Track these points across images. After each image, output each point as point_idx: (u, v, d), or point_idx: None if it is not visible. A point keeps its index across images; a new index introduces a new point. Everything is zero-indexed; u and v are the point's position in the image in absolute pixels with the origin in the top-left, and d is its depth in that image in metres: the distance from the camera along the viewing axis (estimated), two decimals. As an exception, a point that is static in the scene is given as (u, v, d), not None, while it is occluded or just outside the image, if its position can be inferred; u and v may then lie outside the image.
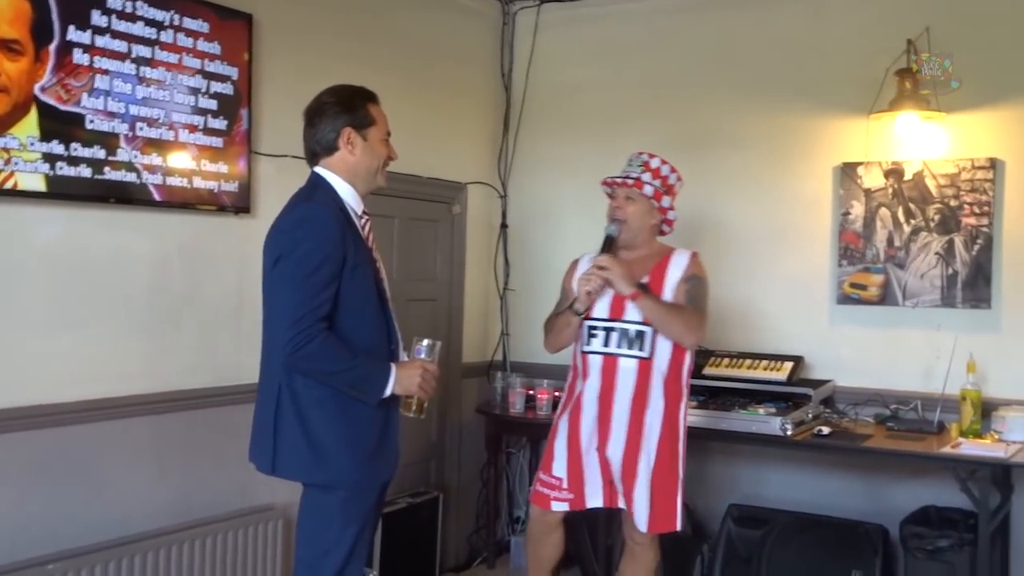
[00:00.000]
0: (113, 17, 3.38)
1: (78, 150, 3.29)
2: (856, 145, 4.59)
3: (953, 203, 4.37)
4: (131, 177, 3.47)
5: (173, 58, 3.59)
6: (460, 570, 5.24)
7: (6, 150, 3.09)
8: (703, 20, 5.04)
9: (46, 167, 3.20)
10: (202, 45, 3.69)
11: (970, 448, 3.89)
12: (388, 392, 2.81)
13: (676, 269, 3.67)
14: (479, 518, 5.37)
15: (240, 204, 3.88)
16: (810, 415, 4.28)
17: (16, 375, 3.21)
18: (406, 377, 2.83)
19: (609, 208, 3.75)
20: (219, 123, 3.77)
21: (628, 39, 5.24)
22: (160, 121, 3.56)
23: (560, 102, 5.43)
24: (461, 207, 5.31)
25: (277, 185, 3.93)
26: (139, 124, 3.49)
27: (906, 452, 3.99)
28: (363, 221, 2.94)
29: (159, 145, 3.56)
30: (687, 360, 3.70)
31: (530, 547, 3.95)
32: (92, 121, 3.33)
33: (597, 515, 4.38)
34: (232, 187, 3.84)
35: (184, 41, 3.63)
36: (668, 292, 3.64)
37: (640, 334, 3.61)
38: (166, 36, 3.56)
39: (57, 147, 3.23)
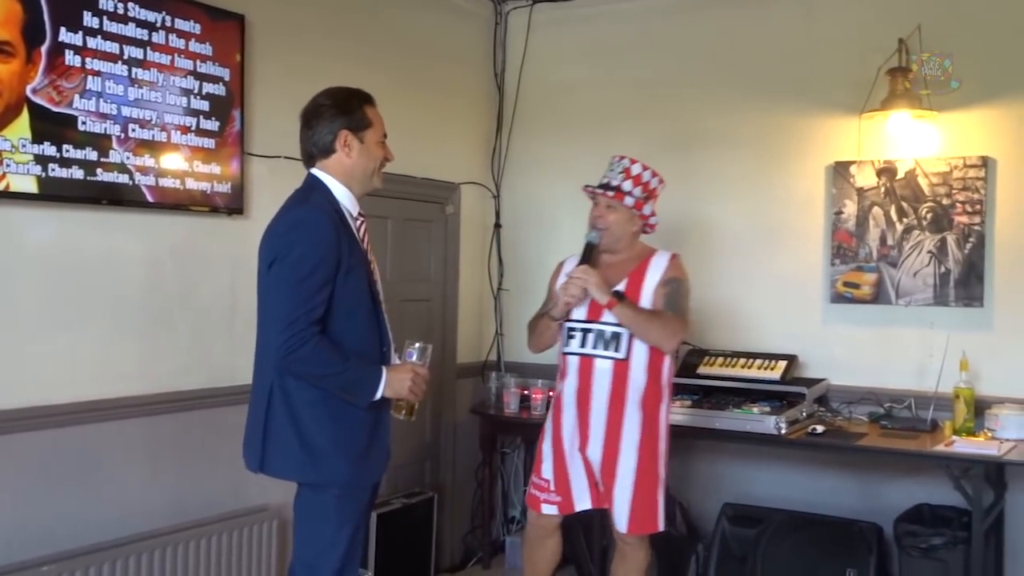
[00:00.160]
0: (104, 18, 3.38)
1: (70, 152, 3.29)
2: (848, 144, 4.60)
3: (945, 202, 4.38)
4: (123, 179, 3.47)
5: (165, 59, 3.59)
6: (455, 570, 5.24)
7: (-2, 152, 3.09)
8: (696, 20, 5.05)
9: (38, 169, 3.20)
10: (194, 46, 3.69)
11: (963, 446, 3.90)
12: (379, 395, 2.82)
13: (655, 272, 3.70)
14: (474, 518, 5.37)
15: (233, 205, 3.88)
16: (804, 414, 4.28)
17: (10, 377, 3.20)
18: (397, 381, 2.85)
19: (590, 214, 3.78)
20: (211, 124, 3.77)
21: (620, 39, 5.25)
22: (152, 122, 3.56)
23: (553, 102, 5.43)
24: (455, 207, 5.31)
25: (270, 186, 3.93)
26: (131, 125, 3.48)
27: (900, 450, 4.00)
28: (359, 223, 2.95)
29: (151, 146, 3.56)
30: (667, 361, 3.71)
31: (526, 552, 3.96)
32: (84, 123, 3.33)
33: (592, 515, 4.38)
34: (225, 188, 3.84)
35: (176, 42, 3.62)
36: (647, 295, 3.67)
37: (616, 336, 3.64)
38: (158, 37, 3.56)
39: (49, 149, 3.22)
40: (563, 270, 3.86)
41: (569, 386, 3.73)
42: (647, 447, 3.65)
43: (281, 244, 2.77)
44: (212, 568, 3.70)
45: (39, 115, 3.19)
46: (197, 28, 3.69)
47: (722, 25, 4.98)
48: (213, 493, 3.85)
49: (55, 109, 3.24)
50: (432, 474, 5.24)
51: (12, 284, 3.22)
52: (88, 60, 3.33)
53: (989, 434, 4.02)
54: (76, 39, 3.29)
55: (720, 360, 4.67)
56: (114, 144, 3.43)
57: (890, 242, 4.51)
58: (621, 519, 3.67)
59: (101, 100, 3.38)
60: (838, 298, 4.63)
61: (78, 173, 3.32)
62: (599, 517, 4.47)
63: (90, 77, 3.34)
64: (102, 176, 3.39)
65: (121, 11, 3.43)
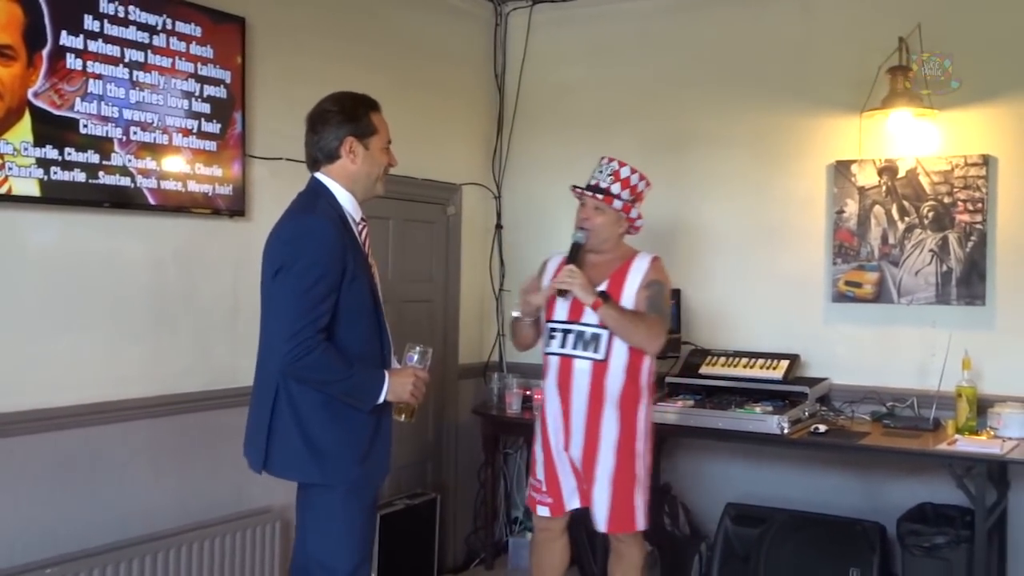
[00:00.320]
0: (105, 22, 3.38)
1: (72, 155, 3.29)
2: (849, 143, 4.60)
3: (947, 200, 4.38)
4: (125, 181, 3.47)
5: (166, 62, 3.59)
6: (458, 571, 5.25)
7: (0, 155, 3.09)
8: (695, 20, 5.05)
9: (40, 172, 3.20)
10: (195, 49, 3.69)
11: (966, 445, 3.90)
12: (381, 399, 2.86)
13: (636, 273, 3.73)
14: (477, 519, 5.38)
15: (235, 207, 3.88)
16: (806, 413, 4.28)
17: (12, 379, 3.21)
18: (399, 385, 2.89)
19: (577, 215, 3.81)
20: (213, 127, 3.77)
21: (620, 39, 5.25)
22: (154, 125, 3.56)
23: (553, 102, 5.44)
24: (456, 208, 5.31)
25: (271, 188, 3.94)
26: (133, 128, 3.48)
27: (902, 449, 4.00)
28: (360, 228, 2.97)
29: (153, 149, 3.56)
30: (646, 362, 3.73)
31: (534, 557, 3.98)
32: (86, 126, 3.33)
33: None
34: (226, 190, 3.84)
35: (177, 45, 3.63)
36: (628, 296, 3.69)
37: (596, 336, 3.67)
38: (159, 40, 3.56)
39: (51, 152, 3.23)
40: (547, 268, 3.90)
41: (550, 386, 3.78)
42: (624, 447, 3.67)
43: (287, 252, 2.78)
44: (215, 570, 3.70)
45: (41, 118, 3.19)
46: (198, 31, 3.70)
47: (722, 25, 4.98)
48: (215, 495, 3.85)
49: (57, 112, 3.24)
50: (435, 475, 5.24)
51: (14, 287, 3.22)
52: (89, 63, 3.33)
53: (992, 433, 4.02)
54: (77, 42, 3.29)
55: (722, 360, 4.67)
56: (116, 147, 3.43)
57: (892, 241, 4.51)
58: (600, 519, 3.71)
59: (103, 103, 3.38)
60: (840, 297, 4.63)
61: (80, 176, 3.32)
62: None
63: (91, 80, 3.34)
64: (104, 179, 3.40)
65: (122, 14, 3.44)
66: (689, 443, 4.97)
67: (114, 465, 3.51)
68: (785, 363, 4.51)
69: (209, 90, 3.75)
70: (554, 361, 3.76)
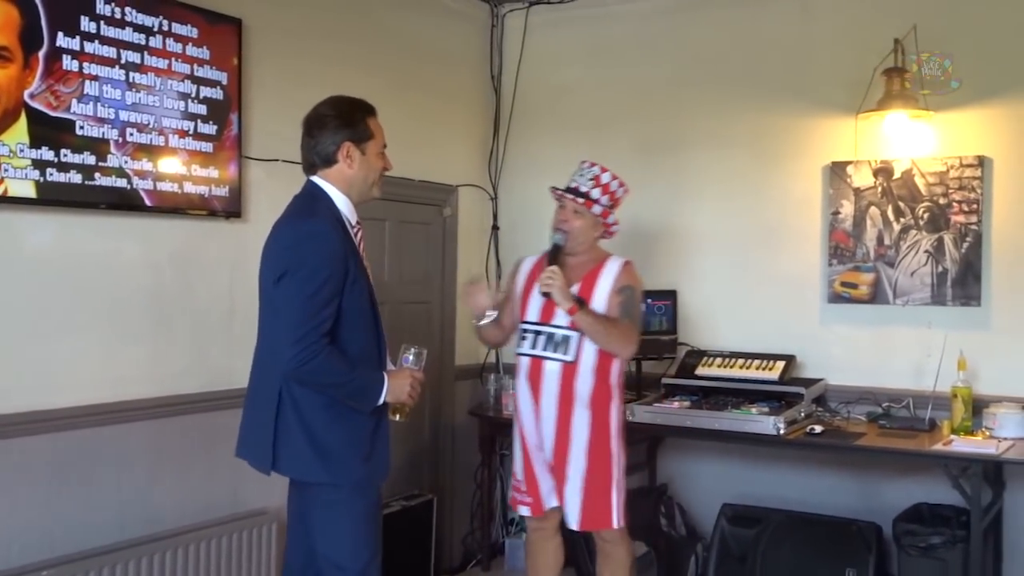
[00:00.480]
0: (102, 23, 3.39)
1: (68, 156, 3.29)
2: (845, 144, 4.61)
3: (942, 201, 4.39)
4: (122, 183, 3.47)
5: (162, 63, 3.60)
6: (455, 572, 5.25)
7: (-4, 157, 3.09)
8: (692, 21, 5.06)
9: (36, 173, 3.20)
10: (191, 50, 3.69)
11: (962, 445, 3.90)
12: (381, 401, 2.90)
13: (608, 276, 3.77)
14: (473, 520, 5.37)
15: (231, 209, 3.88)
16: (802, 414, 4.29)
17: (9, 381, 3.21)
18: (397, 386, 2.94)
19: (555, 217, 3.84)
20: (209, 128, 3.77)
21: (617, 40, 5.25)
22: (150, 126, 3.56)
23: (550, 104, 5.44)
24: (452, 209, 5.31)
25: (268, 189, 3.94)
26: (129, 130, 3.49)
27: (898, 450, 4.00)
28: (356, 231, 2.99)
29: (149, 150, 3.56)
30: (615, 363, 3.77)
31: (529, 558, 4.00)
32: (82, 127, 3.33)
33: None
34: (223, 192, 3.84)
35: (173, 46, 3.63)
36: (599, 299, 3.74)
37: (566, 338, 3.71)
38: (155, 41, 3.56)
39: (47, 153, 3.23)
40: (521, 268, 3.96)
41: (522, 387, 3.82)
42: (596, 446, 3.71)
43: (291, 257, 2.80)
44: (212, 571, 3.70)
45: (37, 120, 3.19)
46: (194, 32, 3.70)
47: (719, 26, 4.98)
48: (212, 496, 3.85)
49: (53, 114, 3.24)
50: (431, 476, 5.24)
51: (11, 289, 3.22)
52: (85, 65, 3.34)
53: (987, 433, 4.02)
54: (73, 44, 3.30)
55: (718, 361, 4.68)
56: (112, 148, 3.43)
57: (887, 242, 4.51)
58: (572, 517, 3.74)
59: (99, 104, 3.38)
60: (836, 298, 4.63)
61: (76, 177, 3.32)
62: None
63: (88, 82, 3.34)
64: (100, 180, 3.40)
65: (118, 16, 3.44)
66: (685, 444, 4.97)
67: (111, 466, 3.51)
68: (781, 364, 4.52)
69: (205, 91, 3.75)
70: (525, 362, 3.81)
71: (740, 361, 4.62)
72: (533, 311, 3.80)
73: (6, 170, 3.11)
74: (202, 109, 3.74)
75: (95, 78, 3.37)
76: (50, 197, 3.26)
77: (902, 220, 4.48)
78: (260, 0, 4.03)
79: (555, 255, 3.74)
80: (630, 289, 3.76)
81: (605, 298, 3.73)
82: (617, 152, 5.16)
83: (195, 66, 3.71)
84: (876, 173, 4.53)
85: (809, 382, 4.52)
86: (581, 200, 3.76)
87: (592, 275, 3.77)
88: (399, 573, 4.60)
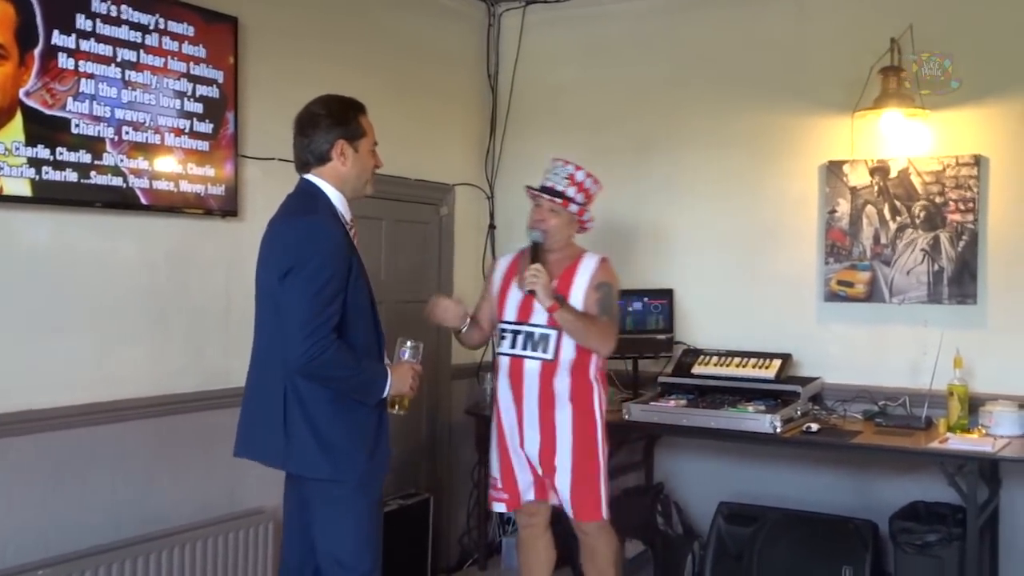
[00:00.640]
0: (98, 21, 3.37)
1: (64, 155, 3.28)
2: (841, 143, 4.61)
3: (938, 200, 4.40)
4: (117, 181, 3.46)
5: (158, 62, 3.59)
6: (452, 571, 5.24)
7: (-9, 155, 3.08)
8: (688, 20, 5.06)
9: (32, 172, 3.19)
10: (187, 48, 3.68)
11: (958, 443, 3.91)
12: (386, 393, 2.94)
13: (585, 273, 3.80)
14: (470, 519, 5.37)
15: (227, 208, 3.87)
16: (799, 412, 4.29)
17: (3, 381, 3.20)
18: (400, 379, 2.99)
19: (531, 216, 3.87)
20: (205, 127, 3.76)
21: (613, 40, 5.25)
22: (146, 125, 3.55)
23: (546, 103, 5.43)
24: (449, 209, 5.31)
25: (264, 188, 3.93)
26: (125, 128, 3.48)
27: (894, 448, 4.01)
28: (350, 228, 3.01)
29: (145, 149, 3.55)
30: (594, 359, 3.80)
31: (520, 556, 4.03)
32: (78, 125, 3.32)
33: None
34: (219, 190, 3.83)
35: (169, 45, 3.62)
36: (576, 295, 3.77)
37: (544, 337, 3.75)
38: (151, 40, 3.56)
39: (43, 152, 3.22)
40: (498, 266, 4.00)
41: (503, 387, 3.85)
42: (581, 440, 3.74)
43: (297, 254, 2.81)
44: (208, 571, 3.69)
45: (32, 118, 3.18)
46: (190, 30, 3.69)
47: (715, 25, 4.98)
48: (208, 496, 3.85)
49: (48, 112, 3.23)
50: (428, 475, 5.23)
51: (6, 287, 3.21)
52: (81, 63, 3.33)
53: (983, 431, 4.03)
54: (69, 42, 3.29)
55: (714, 359, 4.68)
56: (108, 147, 3.42)
57: (883, 240, 4.52)
58: (566, 508, 3.80)
59: (94, 103, 3.37)
60: (832, 297, 4.64)
61: (72, 176, 3.31)
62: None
63: (83, 80, 3.33)
64: (96, 179, 3.39)
65: (114, 13, 3.43)
66: (682, 442, 4.97)
67: (107, 466, 3.50)
68: (777, 362, 4.53)
69: (201, 90, 3.74)
70: (505, 361, 3.84)
71: (736, 360, 4.63)
72: (511, 310, 3.83)
73: (1, 168, 3.10)
74: (198, 107, 3.73)
75: (91, 76, 3.36)
76: (46, 195, 3.24)
77: (898, 219, 4.49)
78: (256, -2, 4.04)
79: (536, 253, 3.76)
80: (607, 286, 3.80)
81: (582, 294, 3.76)
82: (613, 151, 5.18)
83: (191, 64, 3.70)
84: (872, 172, 4.53)
85: (805, 380, 4.52)
86: (558, 200, 3.78)
87: (569, 272, 3.80)
88: (396, 572, 4.59)
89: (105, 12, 3.40)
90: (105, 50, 3.40)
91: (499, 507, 3.92)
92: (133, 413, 3.57)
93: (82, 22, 3.33)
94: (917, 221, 4.45)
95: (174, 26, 3.63)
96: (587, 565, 3.92)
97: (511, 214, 5.53)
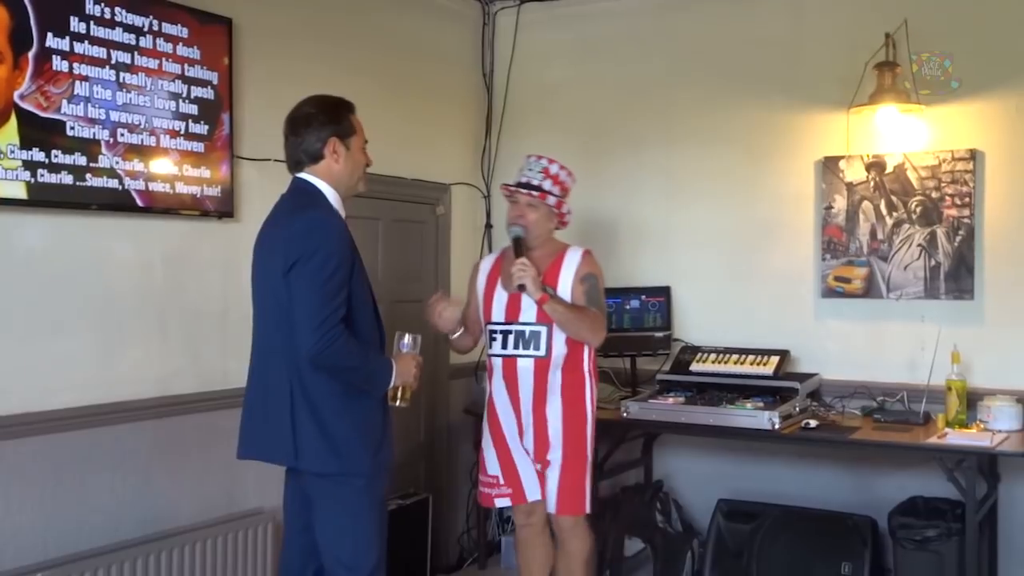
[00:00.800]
0: (92, 23, 3.37)
1: (59, 157, 3.28)
2: (837, 139, 4.61)
3: (935, 195, 4.40)
4: (113, 183, 3.46)
5: (153, 63, 3.58)
6: (451, 571, 5.24)
7: (-14, 158, 3.08)
8: (683, 18, 5.06)
9: (27, 175, 3.19)
10: (182, 50, 3.68)
11: (956, 438, 3.91)
12: (392, 384, 2.98)
13: (570, 267, 3.80)
14: (469, 518, 5.37)
15: (223, 209, 3.87)
16: (797, 409, 4.29)
17: (1, 383, 3.19)
18: (405, 369, 3.04)
19: (509, 214, 3.88)
20: (200, 128, 3.76)
21: (609, 38, 5.25)
22: (141, 127, 3.55)
23: (542, 102, 5.43)
24: (445, 208, 5.31)
25: (260, 189, 3.93)
26: (120, 130, 3.47)
27: (893, 443, 4.01)
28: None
29: (141, 151, 3.55)
30: (586, 352, 3.80)
31: (520, 557, 4.01)
32: (73, 128, 3.32)
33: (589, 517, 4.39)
34: (215, 192, 3.83)
35: (164, 46, 3.62)
36: (563, 289, 3.76)
37: (536, 334, 3.75)
38: (145, 41, 3.55)
39: (38, 154, 3.22)
40: (480, 270, 3.99)
41: (498, 387, 3.84)
42: (572, 435, 3.75)
43: (303, 246, 2.83)
44: (208, 571, 3.69)
45: (27, 121, 3.18)
46: (185, 32, 3.69)
47: (710, 22, 4.98)
48: (207, 497, 3.85)
49: (43, 115, 3.23)
50: (427, 475, 5.23)
51: (2, 290, 3.21)
52: (76, 65, 3.32)
53: (982, 426, 4.04)
54: (63, 44, 3.28)
55: (712, 356, 4.68)
56: (103, 149, 3.42)
57: (880, 236, 4.52)
58: (551, 501, 3.78)
59: (89, 105, 3.37)
60: (829, 293, 4.64)
61: (67, 178, 3.31)
62: (594, 514, 4.47)
63: (78, 82, 3.33)
64: (91, 181, 3.39)
65: (108, 16, 3.42)
66: (680, 440, 4.97)
67: (105, 468, 3.50)
68: (775, 359, 4.53)
69: (196, 91, 3.74)
70: (498, 363, 3.83)
71: (734, 356, 4.63)
72: (498, 311, 3.83)
73: (-3, 171, 3.10)
74: (193, 109, 3.73)
75: (85, 79, 3.36)
76: (41, 198, 3.24)
77: (895, 214, 4.49)
78: (250, -1, 4.04)
79: (519, 248, 3.76)
80: (593, 277, 3.80)
81: (569, 288, 3.76)
82: (609, 149, 5.19)
83: (186, 66, 3.70)
84: (868, 168, 4.54)
85: (803, 377, 4.52)
86: (535, 193, 3.78)
87: (554, 267, 3.80)
88: (395, 572, 4.58)
89: (99, 14, 3.39)
90: (99, 52, 3.40)
91: (503, 502, 3.88)
92: (131, 415, 3.57)
93: (76, 24, 3.32)
94: (913, 216, 4.45)
95: (168, 28, 3.63)
96: (559, 564, 3.90)
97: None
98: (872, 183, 4.53)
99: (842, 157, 4.59)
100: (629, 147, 5.15)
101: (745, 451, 4.80)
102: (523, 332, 3.76)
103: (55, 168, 3.27)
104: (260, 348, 3.02)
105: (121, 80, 3.48)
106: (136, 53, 3.52)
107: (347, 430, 2.89)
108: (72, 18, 3.31)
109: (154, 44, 3.58)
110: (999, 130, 4.31)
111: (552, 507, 3.78)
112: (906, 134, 4.47)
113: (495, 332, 3.82)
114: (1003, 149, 4.31)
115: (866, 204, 4.55)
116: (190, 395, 3.78)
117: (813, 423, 4.18)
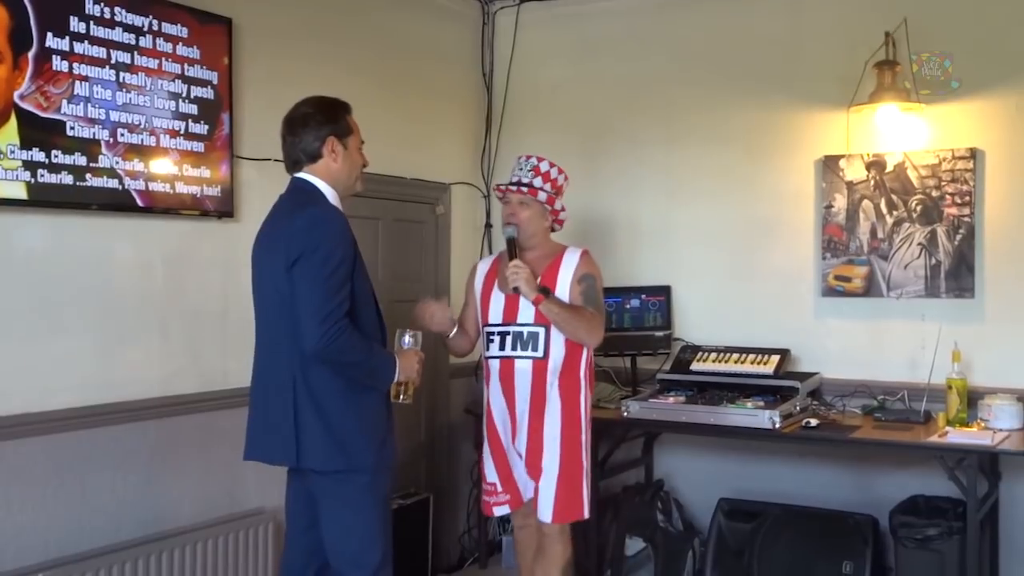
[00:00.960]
0: (91, 23, 3.37)
1: (59, 157, 3.28)
2: (837, 138, 4.61)
3: (935, 194, 4.40)
4: (113, 183, 3.46)
5: (153, 63, 3.58)
6: (452, 570, 5.24)
7: (-14, 158, 3.08)
8: (683, 16, 5.06)
9: (27, 175, 3.19)
10: (181, 50, 3.68)
11: (957, 437, 3.91)
12: (395, 379, 3.00)
13: (568, 267, 3.78)
14: (470, 518, 5.37)
15: (223, 209, 3.87)
16: (798, 408, 4.29)
17: (1, 383, 3.19)
18: (408, 364, 3.06)
19: (503, 214, 3.86)
20: (200, 128, 3.76)
21: (608, 37, 5.25)
22: (141, 127, 3.55)
23: (542, 101, 5.43)
24: (445, 208, 5.31)
25: (260, 189, 3.93)
26: (120, 130, 3.47)
27: (894, 442, 4.01)
28: None
29: (140, 151, 3.55)
30: (584, 354, 3.78)
31: (519, 558, 4.02)
32: (73, 128, 3.32)
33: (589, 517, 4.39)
34: (215, 192, 3.83)
35: (163, 46, 3.62)
36: (562, 290, 3.74)
37: (533, 335, 3.72)
38: (145, 41, 3.55)
39: (38, 155, 3.21)
40: (477, 272, 3.97)
41: (495, 390, 3.81)
42: (568, 438, 3.72)
43: (306, 241, 2.84)
44: (209, 571, 3.69)
45: (27, 121, 3.18)
46: (184, 32, 3.68)
47: (710, 21, 4.98)
48: (208, 497, 3.84)
49: (43, 115, 3.23)
50: (427, 475, 5.23)
51: (3, 290, 3.21)
52: (75, 65, 3.32)
53: (982, 424, 4.04)
54: (63, 44, 3.28)
55: (713, 356, 4.68)
56: (103, 149, 3.42)
57: (880, 235, 4.52)
58: (545, 510, 3.71)
59: (89, 105, 3.37)
60: (830, 292, 4.64)
61: (67, 178, 3.31)
62: (595, 515, 4.47)
63: (78, 82, 3.33)
64: (91, 181, 3.38)
65: (108, 16, 3.42)
66: (681, 439, 4.97)
67: (106, 468, 3.50)
68: (776, 358, 4.53)
69: (196, 91, 3.74)
70: (495, 364, 3.80)
71: (735, 356, 4.63)
72: (496, 312, 3.80)
73: (-3, 171, 3.10)
74: (193, 109, 3.73)
75: (85, 79, 3.35)
76: (41, 198, 3.24)
77: (895, 213, 4.49)
78: (250, -1, 4.04)
79: (513, 249, 3.74)
80: (591, 277, 3.78)
81: (567, 289, 3.74)
82: (609, 148, 5.19)
83: (186, 66, 3.70)
84: (869, 166, 4.53)
85: (804, 376, 4.52)
86: (525, 190, 3.77)
87: (552, 268, 3.78)
88: (396, 572, 4.58)
89: (98, 14, 3.39)
90: (99, 52, 3.40)
91: (502, 510, 3.86)
92: (132, 415, 3.57)
93: (76, 24, 3.32)
94: (914, 215, 4.45)
95: (168, 27, 3.63)
96: (535, 566, 3.87)
97: (508, 213, 5.53)
98: (872, 182, 4.53)
99: (842, 156, 4.59)
100: (629, 146, 5.15)
101: (746, 450, 4.80)
102: (521, 333, 3.73)
103: (55, 168, 3.27)
104: (263, 348, 3.02)
105: (121, 80, 3.47)
106: (136, 53, 3.52)
107: (351, 426, 2.90)
108: (72, 18, 3.31)
109: (154, 44, 3.58)
110: (999, 129, 4.31)
111: (547, 517, 3.70)
112: (906, 133, 4.47)
113: (492, 333, 3.80)
114: (1003, 148, 4.31)
115: (866, 203, 4.55)
116: (190, 395, 3.78)
117: (814, 422, 4.18)
